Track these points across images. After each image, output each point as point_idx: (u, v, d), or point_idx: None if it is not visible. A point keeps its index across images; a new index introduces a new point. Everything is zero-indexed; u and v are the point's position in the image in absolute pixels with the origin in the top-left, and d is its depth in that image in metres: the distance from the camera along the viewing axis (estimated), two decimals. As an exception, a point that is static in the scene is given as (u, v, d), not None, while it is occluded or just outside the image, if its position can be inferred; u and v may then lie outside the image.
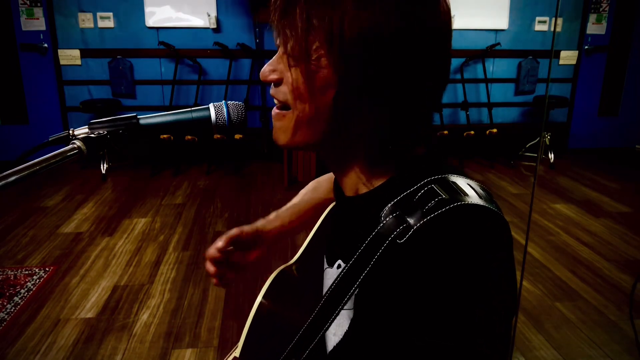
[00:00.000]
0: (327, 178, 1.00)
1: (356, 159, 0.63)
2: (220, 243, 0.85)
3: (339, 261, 0.69)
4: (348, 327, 0.63)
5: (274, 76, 0.61)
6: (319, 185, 1.00)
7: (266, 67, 0.61)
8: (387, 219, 0.54)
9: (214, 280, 0.86)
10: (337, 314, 0.58)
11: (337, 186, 0.71)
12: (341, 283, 0.57)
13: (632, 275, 2.76)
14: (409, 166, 0.61)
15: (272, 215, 0.94)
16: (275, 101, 0.63)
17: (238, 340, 0.81)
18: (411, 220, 0.52)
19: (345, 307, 0.62)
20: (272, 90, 0.63)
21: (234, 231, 0.87)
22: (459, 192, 0.52)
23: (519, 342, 2.21)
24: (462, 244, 0.49)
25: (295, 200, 0.99)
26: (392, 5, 0.53)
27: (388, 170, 0.61)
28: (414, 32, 0.55)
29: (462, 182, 0.55)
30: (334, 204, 0.90)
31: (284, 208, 0.96)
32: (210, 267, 0.85)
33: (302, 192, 1.01)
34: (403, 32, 0.54)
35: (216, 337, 2.24)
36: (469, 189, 0.54)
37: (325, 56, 0.56)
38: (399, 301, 0.52)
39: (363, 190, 0.63)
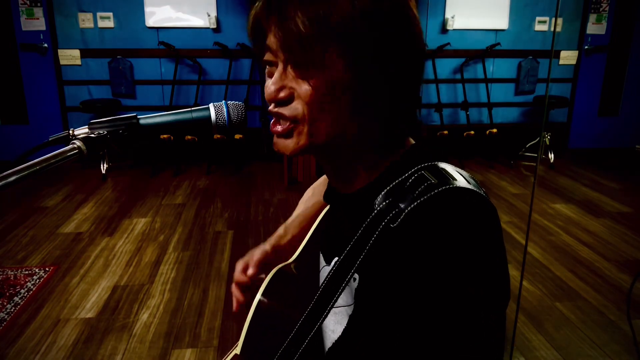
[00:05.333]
0: (322, 182, 1.00)
1: (357, 157, 0.63)
2: (251, 270, 0.83)
3: (336, 258, 0.69)
4: (347, 323, 0.63)
5: (283, 94, 0.58)
6: (316, 190, 1.00)
7: (271, 87, 0.58)
8: (380, 205, 0.55)
9: (235, 306, 0.84)
10: (333, 304, 0.58)
11: (331, 188, 0.72)
12: (337, 272, 0.58)
13: (632, 275, 2.76)
14: (401, 157, 0.62)
15: (282, 230, 0.92)
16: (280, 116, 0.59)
17: (238, 339, 0.81)
18: (403, 205, 0.53)
19: (344, 304, 0.62)
20: (279, 109, 0.59)
21: (258, 255, 0.85)
22: (447, 177, 0.55)
23: (519, 342, 2.21)
24: (452, 224, 0.51)
25: (299, 209, 0.98)
26: None
27: (382, 164, 0.63)
28: (408, 15, 0.57)
29: (450, 169, 0.57)
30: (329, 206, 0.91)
31: (291, 220, 0.95)
32: (240, 296, 0.83)
33: (303, 199, 1.00)
34: (402, 15, 0.56)
35: (216, 337, 2.24)
36: (457, 175, 0.56)
37: (339, 58, 0.54)
38: (395, 285, 0.53)
39: (359, 185, 0.64)
